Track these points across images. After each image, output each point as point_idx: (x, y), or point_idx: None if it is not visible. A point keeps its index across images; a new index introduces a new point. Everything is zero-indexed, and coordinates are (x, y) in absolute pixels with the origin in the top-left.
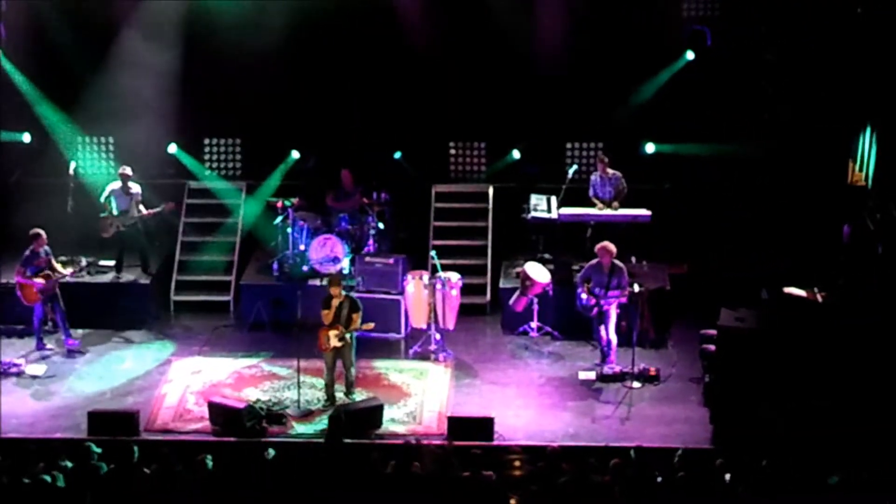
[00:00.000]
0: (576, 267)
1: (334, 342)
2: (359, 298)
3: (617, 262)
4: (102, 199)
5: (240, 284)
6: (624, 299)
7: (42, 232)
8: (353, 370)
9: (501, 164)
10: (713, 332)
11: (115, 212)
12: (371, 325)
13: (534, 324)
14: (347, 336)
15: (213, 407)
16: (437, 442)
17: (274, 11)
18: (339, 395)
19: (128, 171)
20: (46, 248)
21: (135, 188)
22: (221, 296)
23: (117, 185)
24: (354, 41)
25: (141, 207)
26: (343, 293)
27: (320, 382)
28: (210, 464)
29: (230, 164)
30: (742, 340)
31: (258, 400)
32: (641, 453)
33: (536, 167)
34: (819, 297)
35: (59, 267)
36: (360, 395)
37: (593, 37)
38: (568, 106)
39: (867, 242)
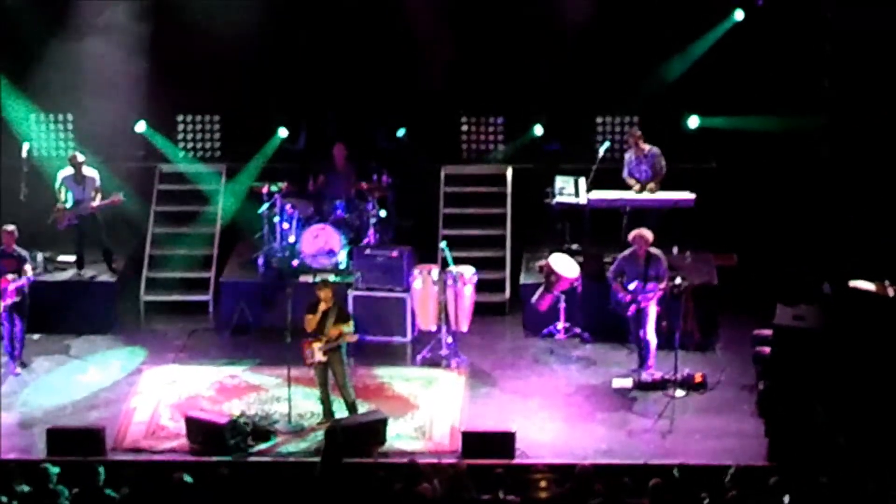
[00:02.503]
0: (608, 259)
1: (318, 356)
2: (358, 298)
3: (654, 250)
4: (56, 188)
5: (220, 282)
6: (661, 293)
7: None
8: (349, 388)
9: (521, 142)
10: (768, 332)
11: (68, 203)
12: (354, 338)
13: (560, 325)
14: (342, 348)
15: (190, 422)
16: (450, 461)
17: None
18: (340, 412)
19: (79, 157)
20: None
21: (90, 174)
22: (199, 295)
23: (69, 172)
24: (349, 1)
25: (98, 197)
26: (332, 300)
27: (314, 393)
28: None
29: (207, 145)
30: (801, 341)
31: (243, 414)
32: (686, 472)
33: (562, 145)
34: (890, 292)
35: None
36: (360, 408)
37: None
38: (598, 74)
39: None
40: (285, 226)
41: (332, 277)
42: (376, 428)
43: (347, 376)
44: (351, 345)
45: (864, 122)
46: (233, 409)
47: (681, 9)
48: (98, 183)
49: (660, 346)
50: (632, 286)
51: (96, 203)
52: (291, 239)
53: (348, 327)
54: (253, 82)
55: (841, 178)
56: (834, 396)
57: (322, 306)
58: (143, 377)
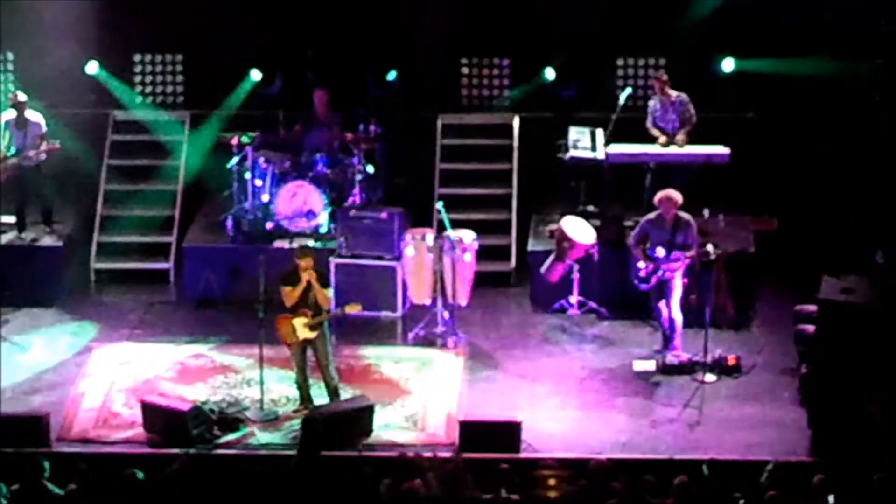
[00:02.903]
0: (629, 223)
1: (303, 332)
2: (342, 266)
3: (683, 214)
4: None
5: (182, 247)
6: (688, 262)
7: None
8: (332, 369)
9: (530, 88)
10: (812, 308)
11: (9, 151)
12: (359, 307)
13: (573, 298)
14: (325, 325)
15: (147, 409)
16: (446, 454)
17: None
18: (320, 398)
19: (21, 96)
20: None
21: (35, 119)
22: (158, 262)
23: (10, 115)
24: None
25: (43, 145)
26: (312, 268)
27: (290, 376)
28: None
29: (169, 89)
30: (850, 319)
31: (208, 400)
32: (716, 468)
33: (577, 91)
34: None
35: None
36: (344, 394)
37: None
38: (619, 8)
39: None
40: (258, 183)
41: (311, 242)
42: (361, 416)
43: (331, 357)
44: (333, 321)
45: None
46: (196, 394)
47: None
48: (44, 129)
49: (688, 324)
50: (659, 253)
51: (36, 150)
52: (265, 198)
53: (330, 292)
54: (221, 16)
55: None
56: (888, 381)
57: (304, 276)
58: (93, 357)
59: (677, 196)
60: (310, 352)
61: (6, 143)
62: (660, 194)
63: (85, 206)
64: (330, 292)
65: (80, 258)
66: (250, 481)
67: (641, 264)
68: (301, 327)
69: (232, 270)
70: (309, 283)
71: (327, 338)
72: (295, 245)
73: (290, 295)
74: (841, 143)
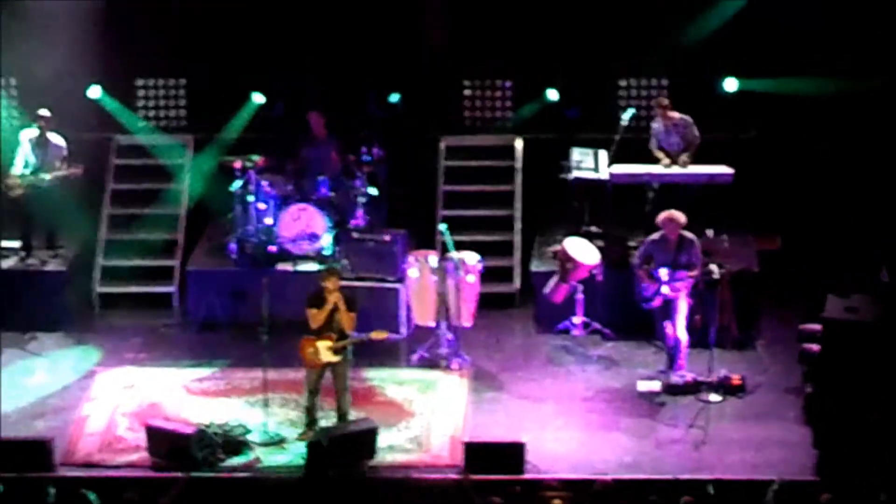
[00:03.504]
0: (633, 243)
1: (327, 356)
2: (344, 289)
3: (686, 233)
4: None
5: (186, 271)
6: (692, 281)
7: None
8: (347, 395)
9: (533, 109)
10: (817, 327)
11: (26, 167)
12: (385, 334)
13: (577, 319)
14: (347, 348)
15: (152, 433)
16: (451, 476)
17: None
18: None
19: (45, 113)
20: None
21: (56, 140)
22: (162, 286)
23: (32, 133)
24: None
25: (64, 167)
26: (339, 289)
27: (295, 399)
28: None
29: (172, 113)
30: (855, 337)
31: (212, 423)
32: (722, 488)
33: (580, 112)
34: None
35: None
36: (348, 416)
37: None
38: (622, 29)
39: None
40: (261, 206)
41: (314, 265)
42: (366, 439)
43: (348, 383)
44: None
45: None
46: (201, 417)
47: None
48: (66, 152)
49: (692, 344)
50: (662, 273)
51: (64, 172)
52: (268, 221)
53: (354, 318)
54: (223, 41)
55: None
56: (893, 400)
57: (330, 299)
58: (98, 381)
59: (681, 216)
60: (327, 375)
61: (24, 161)
62: (663, 214)
63: (89, 231)
64: (354, 316)
65: (83, 283)
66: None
67: (645, 283)
68: (325, 350)
69: (235, 294)
70: (335, 305)
71: (349, 363)
72: (300, 268)
73: (316, 317)
74: (843, 160)
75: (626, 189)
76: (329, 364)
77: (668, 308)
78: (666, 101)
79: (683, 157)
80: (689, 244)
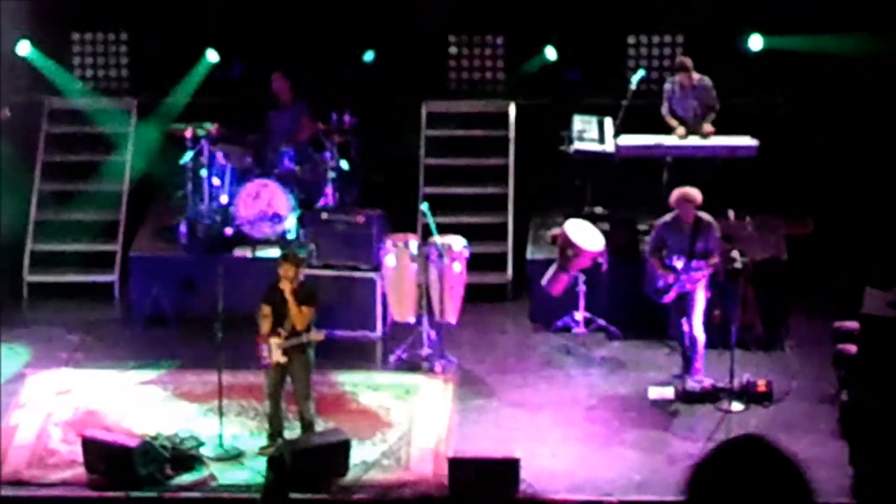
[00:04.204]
0: (644, 227)
1: (277, 356)
2: (311, 278)
3: (703, 215)
4: None
5: (129, 257)
6: (711, 271)
7: None
8: (310, 404)
9: (529, 70)
10: (854, 324)
11: None
12: (320, 336)
13: (579, 315)
14: (309, 347)
15: (89, 445)
16: (434, 494)
17: None
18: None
19: None
20: None
21: None
22: (101, 275)
23: None
24: None
25: None
26: (300, 279)
27: (257, 407)
28: None
29: (112, 73)
30: None
31: (159, 434)
32: None
33: (582, 73)
34: None
35: None
36: (316, 427)
37: None
38: None
39: None
40: (215, 182)
41: (277, 251)
42: (336, 453)
43: (311, 389)
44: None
45: None
46: (146, 427)
47: None
48: None
49: (711, 344)
50: (677, 264)
51: None
52: (223, 199)
53: (311, 312)
54: None
55: None
56: None
57: (286, 288)
58: (27, 385)
59: (696, 194)
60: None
61: None
62: (676, 193)
63: (15, 211)
64: (309, 311)
65: (10, 270)
66: None
67: (660, 274)
68: (275, 349)
69: (186, 284)
70: (285, 295)
71: (309, 366)
72: (260, 254)
73: (264, 312)
74: (886, 131)
75: (635, 163)
76: (284, 366)
77: (685, 302)
78: (690, 63)
79: (707, 127)
80: (707, 228)
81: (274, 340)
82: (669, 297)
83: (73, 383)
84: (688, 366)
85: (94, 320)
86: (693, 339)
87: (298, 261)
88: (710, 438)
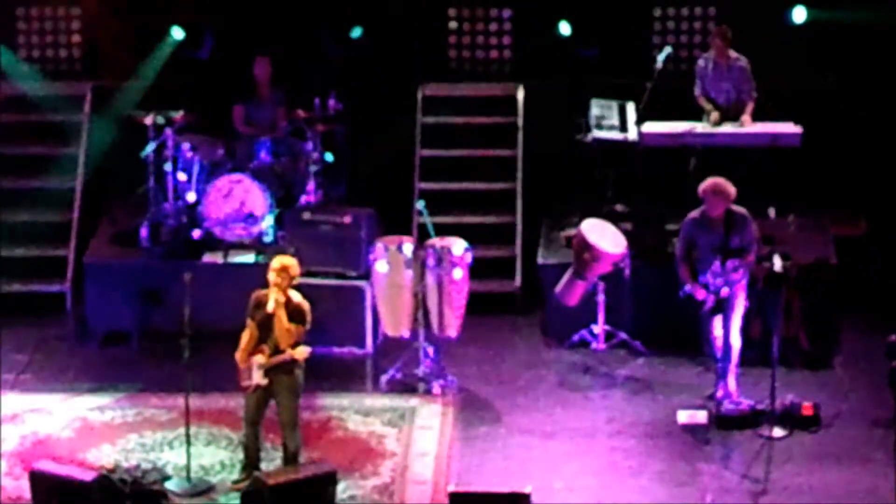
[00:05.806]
0: (672, 227)
1: (257, 376)
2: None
3: (736, 208)
4: None
5: (83, 264)
6: (747, 268)
7: None
8: (296, 433)
9: (539, 48)
10: None
11: None
12: (306, 352)
13: (598, 328)
14: (297, 368)
15: (38, 479)
16: None
17: None
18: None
19: None
20: None
21: None
22: (51, 284)
23: None
24: None
25: None
26: (287, 288)
27: (227, 435)
28: None
29: (63, 54)
30: None
31: (118, 466)
32: None
33: (600, 51)
34: None
35: None
36: (299, 458)
37: None
38: None
39: None
40: (181, 177)
41: (252, 256)
42: (320, 488)
43: (297, 415)
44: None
45: None
46: (103, 459)
47: None
48: None
49: (750, 361)
50: (711, 276)
51: None
52: (191, 197)
53: (300, 330)
54: None
55: None
56: None
57: (275, 298)
58: None
59: (730, 188)
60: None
61: None
62: (705, 184)
63: None
64: (297, 330)
65: None
66: None
67: (689, 287)
68: (256, 370)
69: (148, 294)
70: (274, 310)
71: (297, 390)
72: (233, 260)
73: (248, 331)
74: None
75: (661, 154)
76: (266, 389)
77: (721, 310)
78: (729, 33)
79: (745, 116)
80: (742, 222)
81: (256, 359)
82: (706, 306)
83: (20, 409)
84: (720, 377)
85: (44, 337)
86: (728, 347)
87: (290, 265)
88: (750, 466)
